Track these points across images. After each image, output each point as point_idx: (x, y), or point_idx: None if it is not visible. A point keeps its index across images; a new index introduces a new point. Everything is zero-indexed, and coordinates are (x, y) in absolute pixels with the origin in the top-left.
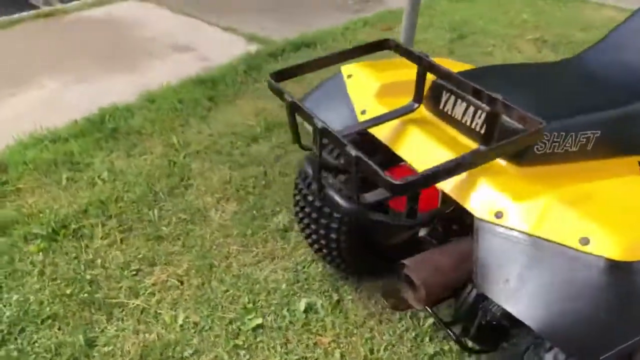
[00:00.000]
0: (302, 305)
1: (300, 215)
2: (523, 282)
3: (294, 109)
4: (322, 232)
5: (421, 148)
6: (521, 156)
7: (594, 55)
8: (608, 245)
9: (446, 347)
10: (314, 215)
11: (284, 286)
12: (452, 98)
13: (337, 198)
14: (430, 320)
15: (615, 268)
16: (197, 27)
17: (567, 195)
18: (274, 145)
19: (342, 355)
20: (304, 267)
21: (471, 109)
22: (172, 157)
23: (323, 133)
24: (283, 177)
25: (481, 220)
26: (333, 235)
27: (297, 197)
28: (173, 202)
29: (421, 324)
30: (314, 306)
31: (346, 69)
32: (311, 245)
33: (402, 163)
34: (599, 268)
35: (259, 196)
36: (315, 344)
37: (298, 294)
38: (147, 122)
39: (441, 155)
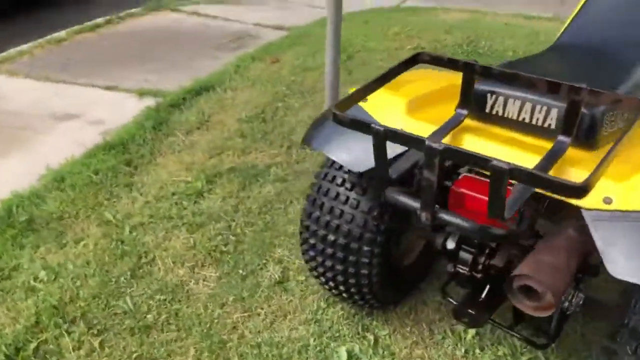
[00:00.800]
0: (342, 354)
1: (319, 258)
2: None
3: (386, 137)
4: (351, 270)
5: (493, 153)
6: (590, 140)
7: (572, 39)
8: None
9: (500, 353)
10: (339, 254)
11: (312, 341)
12: (500, 99)
13: (459, 220)
14: (472, 332)
15: None
16: (72, 91)
17: None
18: (224, 195)
19: None
20: (323, 314)
21: (528, 105)
22: (115, 235)
23: (445, 152)
24: (251, 227)
25: (591, 210)
26: (364, 271)
27: (311, 240)
28: (142, 284)
29: (462, 337)
30: (353, 352)
31: None
32: (331, 288)
33: (462, 175)
34: None
35: (236, 253)
36: None
37: (331, 345)
38: (65, 204)
39: (516, 156)
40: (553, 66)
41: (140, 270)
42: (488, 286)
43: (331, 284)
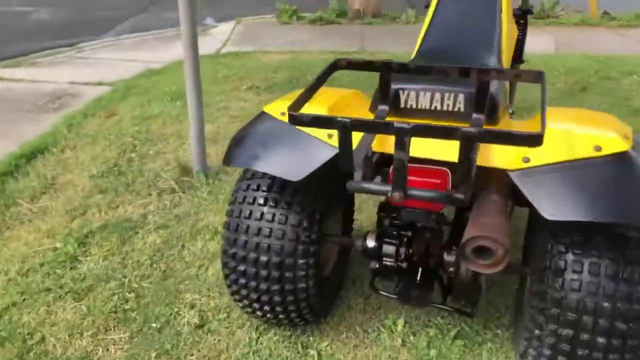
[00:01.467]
0: None
1: (251, 283)
2: (577, 192)
3: (353, 128)
4: (288, 287)
5: (425, 143)
6: (494, 116)
7: (430, 47)
8: (613, 145)
9: (431, 334)
10: (274, 273)
11: None
12: (412, 93)
13: (427, 192)
14: (401, 323)
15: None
16: None
17: (555, 126)
18: (104, 254)
19: None
20: (258, 344)
21: (437, 94)
22: None
23: (414, 130)
24: (148, 279)
25: (514, 170)
26: (302, 284)
27: (240, 267)
28: None
29: (393, 329)
30: None
31: (273, 107)
32: (265, 313)
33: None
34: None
35: (141, 308)
36: None
37: None
38: None
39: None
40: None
41: (31, 354)
42: (420, 269)
43: (266, 308)
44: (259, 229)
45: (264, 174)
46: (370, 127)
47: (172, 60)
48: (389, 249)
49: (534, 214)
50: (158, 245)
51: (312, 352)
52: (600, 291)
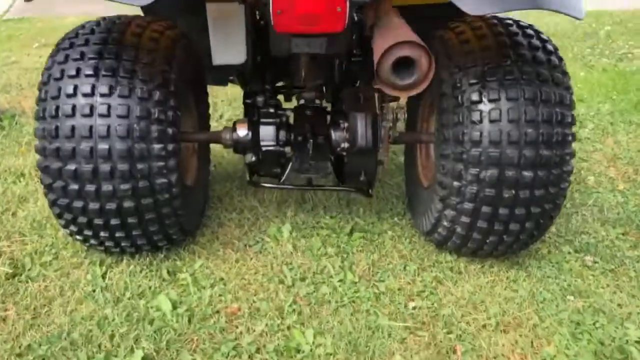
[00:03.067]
0: (164, 304)
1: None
2: None
3: None
4: (146, 200)
5: None
6: None
7: None
8: None
9: (324, 233)
10: (123, 186)
11: (115, 312)
12: None
13: None
14: (287, 229)
15: None
16: None
17: None
18: None
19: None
20: (109, 281)
21: None
22: None
23: None
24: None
25: None
26: (165, 195)
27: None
28: None
29: (279, 237)
30: (173, 298)
31: None
32: (117, 239)
33: None
34: None
35: None
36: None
37: (141, 304)
38: None
39: None
40: None
41: None
42: (311, 141)
43: (115, 222)
44: (92, 108)
45: (88, 41)
46: None
47: None
48: (268, 131)
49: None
50: None
51: (183, 275)
52: (522, 117)
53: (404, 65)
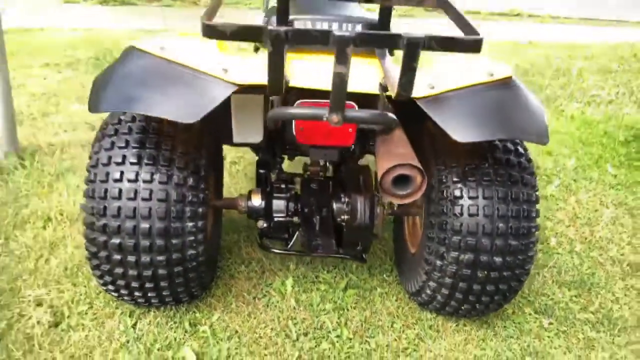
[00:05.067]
0: (190, 356)
1: (129, 258)
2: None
3: (287, 38)
4: (175, 256)
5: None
6: None
7: None
8: (503, 72)
9: (322, 288)
10: (158, 242)
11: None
12: (309, 23)
13: (365, 113)
14: (289, 283)
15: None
16: None
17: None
18: None
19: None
20: (138, 331)
21: (335, 25)
22: None
23: (358, 38)
24: None
25: (422, 98)
26: (192, 252)
27: (114, 240)
28: None
29: (283, 291)
30: (197, 349)
31: (143, 42)
32: (146, 293)
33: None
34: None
35: None
36: None
37: (168, 354)
38: None
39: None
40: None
41: None
42: (318, 217)
43: (149, 286)
44: (135, 192)
45: (131, 129)
46: (308, 37)
47: None
48: (279, 204)
49: (421, 149)
50: None
51: (203, 327)
52: (496, 213)
53: (401, 179)
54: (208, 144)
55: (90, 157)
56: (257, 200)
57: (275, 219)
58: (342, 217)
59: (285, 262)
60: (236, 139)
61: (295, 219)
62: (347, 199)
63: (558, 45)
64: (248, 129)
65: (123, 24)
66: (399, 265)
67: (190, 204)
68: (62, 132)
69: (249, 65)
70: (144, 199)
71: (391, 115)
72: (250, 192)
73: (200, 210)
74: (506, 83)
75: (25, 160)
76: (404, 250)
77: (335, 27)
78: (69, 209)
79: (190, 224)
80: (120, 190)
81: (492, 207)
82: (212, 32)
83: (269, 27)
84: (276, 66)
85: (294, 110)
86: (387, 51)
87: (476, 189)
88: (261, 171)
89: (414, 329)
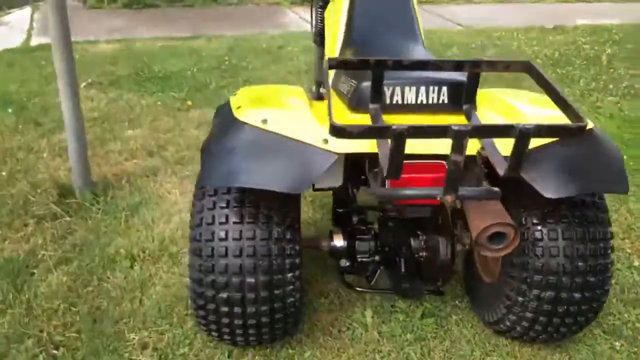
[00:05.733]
0: None
1: (236, 309)
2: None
3: (409, 134)
4: (277, 304)
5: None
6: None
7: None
8: None
9: (401, 317)
10: (262, 293)
11: None
12: (398, 89)
13: (478, 190)
14: (369, 315)
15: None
16: None
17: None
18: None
19: None
20: None
21: (422, 88)
22: None
23: (474, 131)
24: (71, 329)
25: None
26: (291, 299)
27: (222, 294)
28: None
29: (364, 321)
30: None
31: (244, 113)
32: (248, 336)
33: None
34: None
35: None
36: None
37: None
38: None
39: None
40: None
41: None
42: (403, 259)
43: (252, 331)
44: (241, 250)
45: (230, 189)
46: (429, 133)
47: None
48: (362, 245)
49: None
50: (67, 284)
51: None
52: (575, 253)
53: (496, 234)
54: (297, 196)
55: (192, 216)
56: (339, 241)
57: (359, 260)
58: (421, 254)
59: (360, 292)
60: (318, 185)
61: (376, 257)
62: (424, 237)
63: (584, 28)
64: (330, 177)
65: (153, 31)
66: (471, 293)
67: (289, 257)
68: (124, 161)
69: None
70: (249, 256)
71: (497, 189)
72: (331, 232)
73: (297, 260)
74: (591, 133)
75: (99, 197)
76: (475, 281)
77: (422, 90)
78: (150, 246)
79: (290, 275)
80: (226, 249)
81: (571, 248)
82: (340, 133)
83: (393, 126)
84: (397, 157)
85: (409, 192)
86: (475, 113)
87: (555, 230)
88: (339, 211)
89: (493, 356)
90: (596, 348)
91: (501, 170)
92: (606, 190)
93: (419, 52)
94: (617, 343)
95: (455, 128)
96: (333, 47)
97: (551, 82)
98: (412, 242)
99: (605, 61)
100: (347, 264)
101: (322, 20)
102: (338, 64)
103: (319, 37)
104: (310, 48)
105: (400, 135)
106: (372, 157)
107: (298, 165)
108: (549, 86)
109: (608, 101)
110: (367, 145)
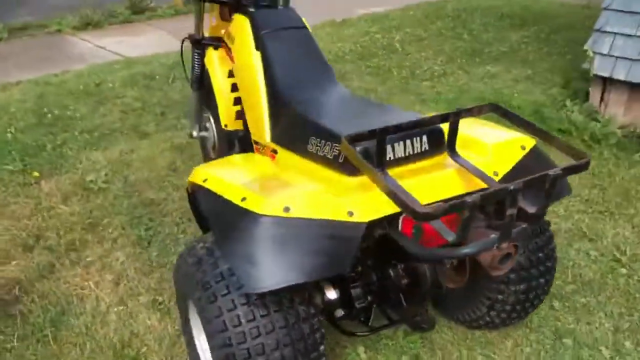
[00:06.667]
0: None
1: None
2: None
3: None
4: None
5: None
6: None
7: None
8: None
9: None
10: None
11: None
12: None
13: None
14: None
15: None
16: None
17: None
18: None
19: None
20: None
21: (408, 141)
22: None
23: (523, 187)
24: None
25: None
26: None
27: None
28: None
29: None
30: None
31: (260, 206)
32: None
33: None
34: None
35: None
36: None
37: None
38: None
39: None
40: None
41: None
42: (402, 294)
43: None
44: (277, 342)
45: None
46: (494, 197)
47: None
48: (358, 291)
49: None
50: None
51: None
52: (535, 246)
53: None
54: None
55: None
56: (331, 294)
57: (357, 306)
58: (403, 281)
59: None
60: None
61: (372, 299)
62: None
63: (366, 18)
64: None
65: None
66: (439, 303)
67: (317, 330)
68: None
69: (369, 200)
70: (285, 345)
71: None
72: (321, 287)
73: (322, 330)
74: (534, 151)
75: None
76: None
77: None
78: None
79: (322, 347)
80: (263, 345)
81: (533, 243)
82: (427, 218)
83: (468, 200)
84: (467, 228)
85: (469, 249)
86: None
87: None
88: None
89: (477, 350)
90: (540, 313)
91: (532, 209)
92: (555, 200)
93: (338, 90)
94: (555, 303)
95: (513, 188)
96: (254, 99)
97: (520, 117)
98: (392, 272)
99: (400, 48)
100: (343, 313)
101: (200, 67)
102: (356, 138)
103: (196, 83)
104: (134, 79)
105: (473, 206)
106: (391, 217)
107: (332, 246)
108: (520, 121)
109: (424, 86)
110: (389, 208)
